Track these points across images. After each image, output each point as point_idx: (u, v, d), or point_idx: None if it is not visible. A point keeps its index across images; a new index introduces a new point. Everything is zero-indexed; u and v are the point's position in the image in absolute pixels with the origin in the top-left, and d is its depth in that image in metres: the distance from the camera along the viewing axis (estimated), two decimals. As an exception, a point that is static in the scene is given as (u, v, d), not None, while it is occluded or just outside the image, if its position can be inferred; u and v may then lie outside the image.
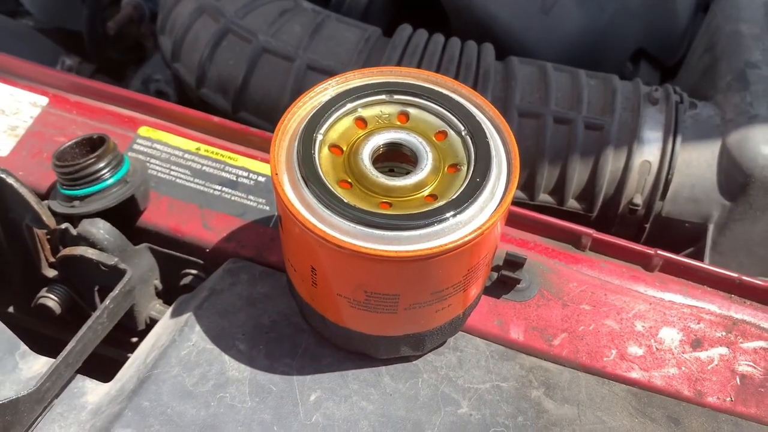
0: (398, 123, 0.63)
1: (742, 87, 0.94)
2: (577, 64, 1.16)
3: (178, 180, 0.83)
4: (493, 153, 0.59)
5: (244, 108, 1.01)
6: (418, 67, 0.96)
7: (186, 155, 0.85)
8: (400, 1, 1.20)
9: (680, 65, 1.34)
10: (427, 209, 0.56)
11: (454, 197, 0.56)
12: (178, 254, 0.80)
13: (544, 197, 0.97)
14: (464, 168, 0.59)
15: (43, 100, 0.90)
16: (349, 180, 0.59)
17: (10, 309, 0.92)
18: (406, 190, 0.58)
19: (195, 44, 1.01)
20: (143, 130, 0.87)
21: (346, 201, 0.56)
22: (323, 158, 0.59)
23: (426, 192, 0.58)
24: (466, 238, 0.54)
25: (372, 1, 1.12)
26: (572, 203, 0.96)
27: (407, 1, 1.21)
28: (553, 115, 0.93)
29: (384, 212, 0.56)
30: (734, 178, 0.90)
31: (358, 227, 0.54)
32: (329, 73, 0.96)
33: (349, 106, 0.63)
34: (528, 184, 0.96)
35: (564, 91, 0.95)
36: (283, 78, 0.97)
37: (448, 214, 0.55)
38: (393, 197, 0.58)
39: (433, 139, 0.62)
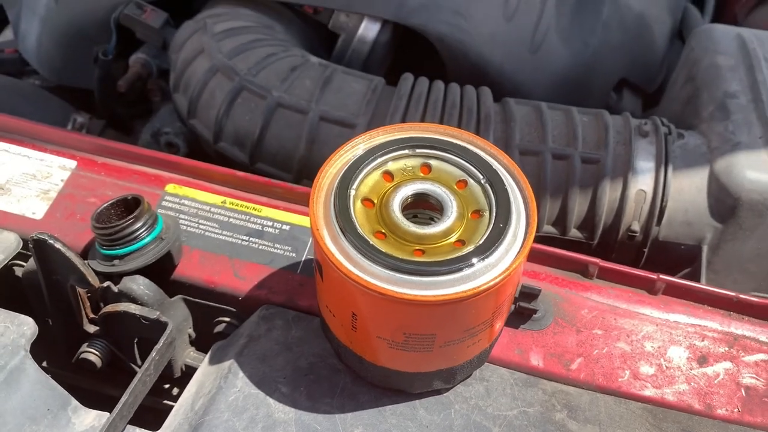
0: (421, 174, 0.69)
1: (723, 116, 1.01)
2: (565, 97, 1.24)
3: (207, 233, 0.88)
4: (512, 199, 0.65)
5: (261, 159, 1.06)
6: (423, 113, 1.03)
7: (213, 209, 0.90)
8: (397, 48, 1.27)
9: (660, 92, 1.42)
10: (457, 254, 0.61)
11: (480, 242, 0.62)
12: (211, 303, 0.85)
13: (547, 228, 1.03)
14: (486, 214, 0.65)
15: (72, 164, 0.94)
16: (383, 231, 0.64)
17: (44, 364, 0.96)
18: (436, 237, 0.64)
19: (211, 101, 1.07)
20: (170, 187, 0.92)
21: (383, 250, 0.61)
22: (357, 211, 0.65)
23: (454, 238, 0.64)
24: (496, 280, 0.60)
25: (372, 51, 1.19)
26: (574, 233, 1.03)
27: (404, 48, 1.28)
28: (552, 152, 0.99)
29: (419, 259, 0.61)
30: (723, 201, 0.97)
31: (397, 275, 0.60)
32: (341, 123, 1.02)
33: (377, 161, 0.68)
34: (532, 217, 1.02)
35: (560, 129, 1.02)
36: (298, 130, 1.02)
37: (476, 259, 0.60)
38: (425, 244, 0.63)
39: (455, 187, 0.68)
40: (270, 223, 0.89)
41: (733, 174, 0.95)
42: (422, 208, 0.69)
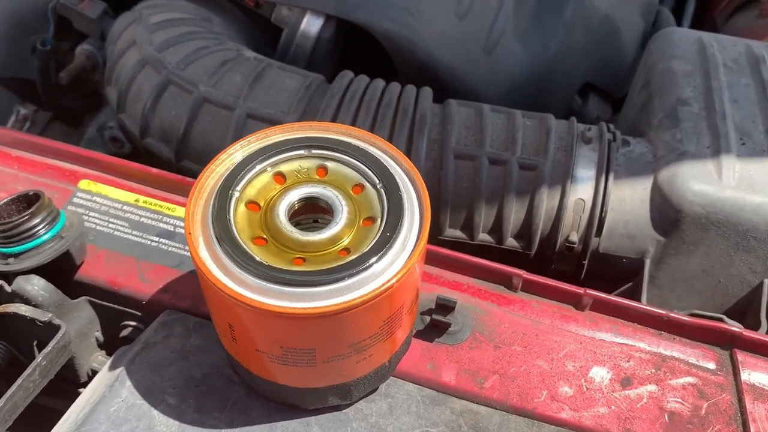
0: (317, 177, 0.65)
1: (673, 124, 0.96)
2: (523, 102, 1.19)
3: (116, 232, 0.84)
4: (406, 206, 0.61)
5: (187, 157, 1.02)
6: (356, 113, 0.98)
7: (125, 207, 0.86)
8: (345, 47, 1.22)
9: (629, 98, 1.37)
10: (337, 264, 0.57)
11: (365, 251, 0.58)
12: (116, 306, 0.81)
13: (483, 236, 0.99)
14: (378, 221, 0.61)
15: (-16, 156, 0.91)
16: (265, 236, 0.60)
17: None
18: (321, 245, 0.59)
19: (139, 95, 1.03)
20: (83, 183, 0.88)
21: (257, 259, 0.57)
22: (239, 215, 0.61)
23: (341, 246, 0.60)
24: (376, 292, 0.56)
25: (316, 47, 1.14)
26: (511, 241, 0.98)
27: (353, 47, 1.24)
28: (488, 157, 0.95)
29: (295, 269, 0.57)
30: (666, 214, 0.92)
31: (269, 285, 0.55)
32: (269, 121, 0.98)
33: (268, 162, 0.64)
34: (467, 224, 0.98)
35: (499, 133, 0.97)
36: (224, 127, 0.98)
37: (357, 268, 0.56)
38: (307, 252, 0.59)
39: (351, 192, 0.63)
40: (182, 224, 0.85)
41: (676, 185, 0.90)
42: (315, 212, 0.65)
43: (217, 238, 0.58)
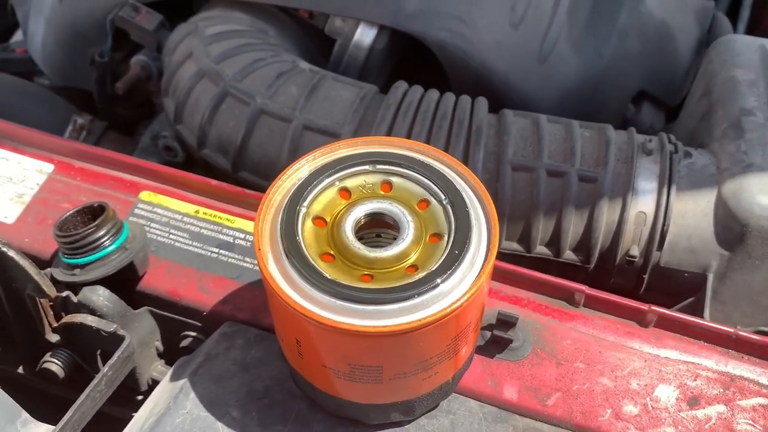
0: (381, 192, 0.64)
1: (737, 135, 0.94)
2: (576, 111, 1.18)
3: (176, 243, 0.85)
4: (473, 222, 0.60)
5: (244, 168, 1.03)
6: (412, 124, 0.98)
7: (185, 218, 0.87)
8: (398, 56, 1.22)
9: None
10: (406, 282, 0.56)
11: (433, 269, 0.57)
12: (177, 317, 0.82)
13: (540, 249, 0.97)
14: (445, 238, 0.60)
15: (49, 167, 0.93)
16: (332, 252, 0.60)
17: (20, 370, 0.94)
18: (388, 262, 0.59)
19: (196, 107, 1.04)
20: (144, 195, 0.90)
21: (326, 275, 0.57)
22: (307, 231, 0.61)
23: (408, 262, 0.59)
24: (446, 311, 0.55)
25: (369, 58, 1.14)
26: (569, 255, 0.97)
27: (406, 57, 1.24)
28: (546, 168, 0.94)
29: (364, 286, 0.57)
30: (731, 228, 0.89)
31: (338, 302, 0.55)
32: (325, 132, 0.98)
33: (333, 177, 0.64)
34: (524, 237, 0.97)
35: (557, 144, 0.96)
36: (280, 138, 0.99)
37: (426, 287, 0.56)
38: (375, 269, 0.59)
39: (416, 207, 0.63)
40: (242, 236, 0.86)
41: (742, 198, 0.88)
42: (383, 227, 0.65)
43: (286, 253, 0.58)
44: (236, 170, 1.03)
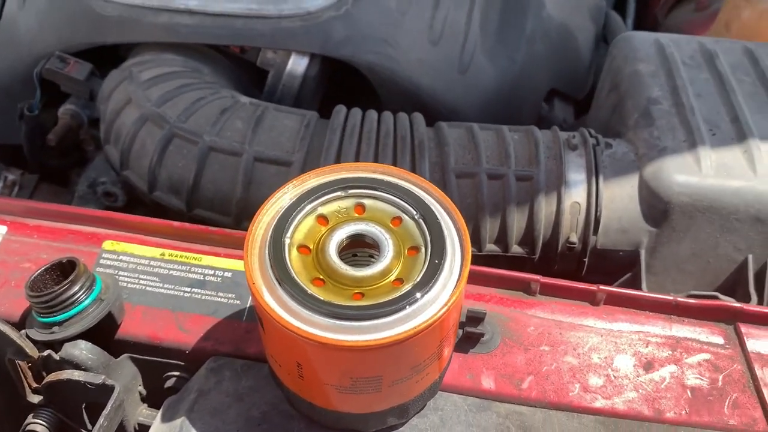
0: (356, 215, 0.69)
1: (648, 123, 1.04)
2: (498, 113, 1.26)
3: (148, 288, 0.87)
4: (446, 233, 0.66)
5: (199, 205, 1.05)
6: (359, 145, 1.03)
7: (152, 262, 0.89)
8: (329, 80, 1.27)
9: (590, 97, 1.46)
10: (396, 295, 0.61)
11: (418, 280, 0.62)
12: (159, 359, 0.83)
13: (490, 247, 1.05)
14: (423, 249, 0.65)
15: (2, 229, 0.92)
16: (321, 277, 0.64)
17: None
18: (375, 279, 0.64)
19: (142, 151, 1.05)
20: (107, 244, 0.90)
21: (321, 298, 0.61)
22: (294, 260, 0.65)
23: (392, 277, 0.64)
24: (437, 315, 0.60)
25: (303, 85, 1.19)
26: (516, 249, 1.04)
27: (336, 79, 1.29)
28: (486, 173, 1.01)
29: (358, 303, 0.61)
30: (655, 206, 1.00)
31: (337, 322, 0.60)
32: (276, 162, 1.01)
33: (309, 206, 0.68)
34: (474, 238, 1.04)
35: (492, 149, 1.04)
36: (233, 173, 1.02)
37: (415, 297, 0.61)
38: (364, 287, 0.63)
39: (390, 225, 0.68)
40: (211, 272, 0.88)
41: (661, 179, 0.98)
42: (358, 246, 0.69)
43: (279, 283, 0.62)
44: (191, 209, 1.05)
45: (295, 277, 0.62)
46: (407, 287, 0.62)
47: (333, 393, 0.66)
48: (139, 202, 1.18)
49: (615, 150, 1.05)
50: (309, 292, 0.61)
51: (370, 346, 0.59)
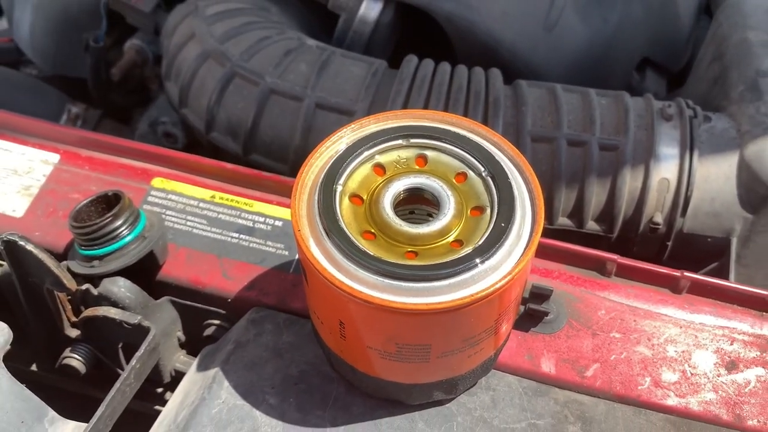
0: (417, 167, 0.63)
1: (755, 97, 0.93)
2: (584, 79, 1.16)
3: (194, 230, 0.83)
4: (516, 194, 0.58)
5: (255, 150, 1.00)
6: (428, 98, 0.96)
7: (201, 204, 0.85)
8: (403, 29, 1.19)
9: (686, 71, 1.34)
10: (453, 257, 0.55)
11: (480, 243, 0.55)
12: (200, 306, 0.80)
13: (563, 221, 0.96)
14: (488, 210, 0.58)
15: (55, 157, 0.90)
16: (373, 230, 0.58)
17: (33, 367, 0.92)
18: (431, 238, 0.57)
19: (202, 89, 1.01)
20: (157, 182, 0.87)
21: (371, 253, 0.55)
22: (344, 209, 0.59)
23: (451, 238, 0.58)
24: (497, 285, 0.53)
25: (375, 32, 1.12)
26: (592, 225, 0.95)
27: (410, 29, 1.21)
28: (567, 138, 0.92)
29: (410, 263, 0.55)
30: (755, 190, 0.89)
31: (386, 280, 0.54)
32: (338, 110, 0.95)
33: (367, 153, 0.62)
34: (546, 209, 0.94)
35: (576, 113, 0.94)
36: (293, 118, 0.96)
37: (475, 262, 0.54)
38: (418, 246, 0.57)
39: (453, 181, 0.61)
40: (261, 219, 0.83)
41: (765, 160, 0.87)
42: (418, 203, 0.63)
43: (327, 233, 0.56)
44: (247, 153, 1.00)
45: (344, 228, 0.56)
46: (467, 250, 0.55)
47: (376, 358, 0.60)
48: (198, 145, 1.14)
49: (714, 124, 0.94)
50: (357, 245, 0.55)
51: (420, 311, 0.53)
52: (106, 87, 1.27)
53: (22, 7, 1.32)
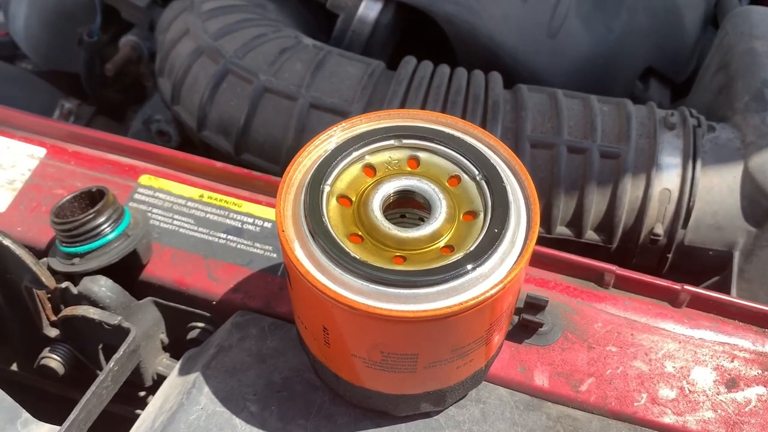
0: (408, 169, 0.60)
1: (761, 107, 0.91)
2: (586, 87, 1.14)
3: (181, 229, 0.81)
4: (511, 198, 0.56)
5: (247, 150, 0.98)
6: (425, 100, 0.94)
7: (189, 203, 0.83)
8: (403, 31, 1.17)
9: (691, 82, 1.31)
10: (443, 263, 0.52)
11: (471, 249, 0.53)
12: (183, 307, 0.77)
13: (561, 230, 0.94)
14: (481, 215, 0.56)
15: (41, 152, 0.87)
16: (360, 233, 0.56)
17: (13, 367, 0.89)
18: (421, 242, 0.55)
19: (195, 86, 0.99)
20: (144, 179, 0.85)
21: (357, 257, 0.52)
22: (332, 211, 0.56)
23: (442, 243, 0.55)
24: (488, 293, 0.51)
25: (374, 33, 1.09)
26: (591, 235, 0.93)
27: (411, 32, 1.19)
28: (567, 145, 0.90)
29: (398, 268, 0.53)
30: (759, 203, 0.86)
31: (371, 285, 0.51)
32: (333, 110, 0.93)
33: (357, 153, 0.60)
34: (544, 217, 0.93)
35: (576, 119, 0.92)
36: (286, 118, 0.94)
37: (466, 268, 0.52)
38: (407, 250, 0.55)
39: (446, 184, 0.59)
40: (250, 220, 0.81)
41: (770, 172, 0.85)
42: (409, 207, 0.60)
43: (312, 235, 0.53)
44: (239, 152, 0.98)
45: (330, 230, 0.54)
46: (457, 256, 0.53)
47: (360, 366, 0.58)
48: (190, 144, 1.12)
49: (718, 134, 0.92)
50: (344, 248, 0.53)
51: (407, 318, 0.50)
52: (100, 82, 1.25)
53: (18, 1, 1.30)
